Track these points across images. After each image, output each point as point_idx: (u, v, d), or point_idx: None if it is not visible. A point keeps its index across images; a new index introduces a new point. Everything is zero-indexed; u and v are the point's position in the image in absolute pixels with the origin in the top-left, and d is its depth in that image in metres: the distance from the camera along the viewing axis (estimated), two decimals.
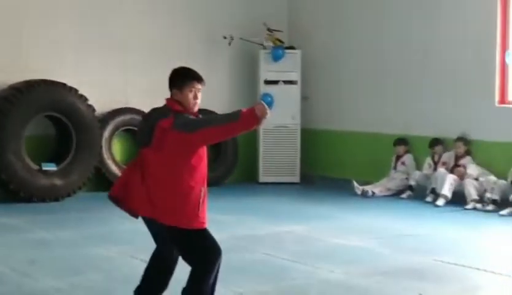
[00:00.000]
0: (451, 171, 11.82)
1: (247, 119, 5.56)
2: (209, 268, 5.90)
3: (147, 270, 6.48)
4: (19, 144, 11.76)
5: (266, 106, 5.55)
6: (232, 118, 5.63)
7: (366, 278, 7.56)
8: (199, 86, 5.95)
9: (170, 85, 6.03)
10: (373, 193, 12.51)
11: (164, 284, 6.46)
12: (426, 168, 12.36)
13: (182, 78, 5.99)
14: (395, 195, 12.54)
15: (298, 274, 7.71)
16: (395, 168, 12.85)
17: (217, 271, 5.93)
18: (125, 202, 6.07)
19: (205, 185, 5.95)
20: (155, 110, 6.16)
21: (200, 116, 6.09)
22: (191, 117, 5.92)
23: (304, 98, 14.06)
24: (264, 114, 5.48)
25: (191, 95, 5.93)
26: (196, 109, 5.98)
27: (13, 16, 12.17)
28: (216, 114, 5.82)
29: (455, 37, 12.22)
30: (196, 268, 5.93)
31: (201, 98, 6.08)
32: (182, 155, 5.81)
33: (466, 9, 12.08)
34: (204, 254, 5.92)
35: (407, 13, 12.90)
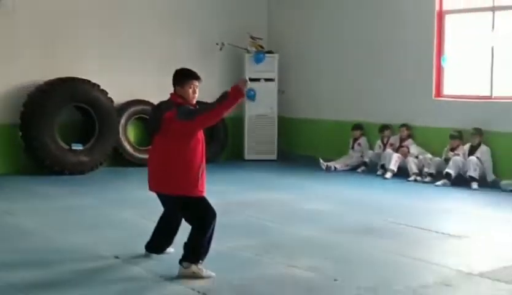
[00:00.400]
0: (396, 151, 11.91)
1: (233, 94, 5.78)
2: (206, 227, 5.98)
3: (156, 229, 6.57)
4: (53, 128, 11.80)
5: (245, 78, 5.96)
6: (223, 98, 5.79)
7: (329, 234, 7.67)
8: (196, 83, 6.12)
9: (174, 82, 6.17)
10: (335, 168, 12.57)
11: (169, 240, 6.57)
12: (377, 148, 12.47)
13: (183, 77, 6.13)
14: (352, 169, 12.62)
15: (276, 232, 7.82)
16: (352, 148, 12.94)
17: (212, 230, 6.01)
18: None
19: (204, 162, 6.05)
20: (161, 103, 6.29)
21: (197, 106, 6.17)
22: (191, 107, 6.02)
23: (281, 92, 14.08)
24: (245, 84, 5.79)
25: (190, 90, 6.09)
26: (194, 101, 6.13)
27: (48, 28, 12.15)
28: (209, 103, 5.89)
29: (400, 43, 12.30)
30: (196, 227, 6.00)
31: (198, 92, 6.19)
32: (184, 139, 5.93)
33: (408, 22, 12.13)
34: (203, 216, 6.00)
35: (362, 23, 12.92)
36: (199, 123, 5.93)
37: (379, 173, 12.00)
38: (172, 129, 5.92)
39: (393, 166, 11.73)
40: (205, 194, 6.06)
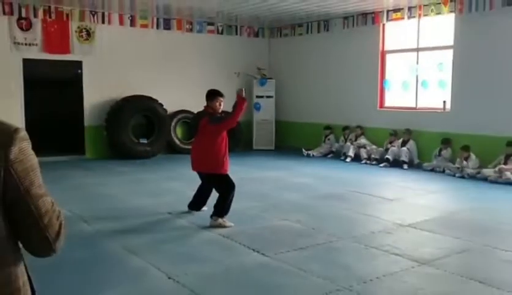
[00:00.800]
0: (352, 143, 11.87)
1: (239, 102, 6.03)
2: (229, 194, 6.02)
3: (195, 194, 6.61)
4: (127, 128, 11.81)
5: (240, 89, 6.20)
6: (234, 107, 6.00)
7: (309, 199, 7.69)
8: (221, 99, 6.14)
9: (206, 98, 6.19)
10: (313, 155, 12.52)
11: (204, 202, 6.59)
12: (341, 141, 12.40)
13: (213, 95, 6.17)
14: (324, 156, 12.54)
15: (273, 197, 7.82)
16: (324, 141, 12.83)
17: (232, 196, 6.04)
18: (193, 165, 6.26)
19: (227, 151, 6.09)
20: (198, 113, 6.36)
21: (223, 114, 6.19)
22: (218, 116, 6.05)
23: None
24: (242, 92, 6.13)
25: (217, 104, 6.12)
26: (220, 110, 6.13)
27: (124, 63, 12.17)
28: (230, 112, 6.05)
29: (358, 71, 12.25)
30: (222, 194, 6.03)
31: (223, 105, 6.23)
32: (214, 137, 5.96)
33: (363, 58, 12.10)
34: (227, 186, 6.03)
35: (332, 58, 12.89)
36: (223, 126, 5.99)
37: (342, 158, 11.94)
38: (206, 130, 5.96)
39: (351, 153, 11.71)
40: (229, 172, 6.10)
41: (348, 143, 11.97)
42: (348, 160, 11.67)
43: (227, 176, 6.04)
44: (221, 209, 5.93)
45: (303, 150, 12.62)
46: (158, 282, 4.27)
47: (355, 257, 4.94)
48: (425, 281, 4.35)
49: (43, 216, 1.42)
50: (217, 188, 6.12)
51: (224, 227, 5.85)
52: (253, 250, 5.08)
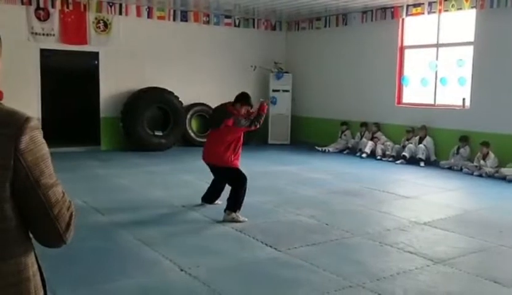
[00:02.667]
0: (371, 140, 11.80)
1: (263, 112, 6.23)
2: (240, 187, 6.04)
3: (209, 187, 6.66)
4: (143, 120, 11.86)
5: (264, 100, 6.53)
6: (259, 117, 6.26)
7: (324, 194, 7.68)
8: (249, 107, 6.13)
9: (238, 99, 6.29)
10: (329, 150, 12.49)
11: (217, 195, 6.62)
12: (357, 137, 12.33)
13: (245, 100, 6.15)
14: (340, 152, 12.48)
15: (288, 192, 7.84)
16: (340, 137, 12.79)
17: (245, 190, 6.05)
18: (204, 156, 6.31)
19: (240, 147, 6.13)
20: (218, 108, 6.42)
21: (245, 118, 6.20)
22: (242, 120, 6.09)
23: (293, 100, 14.01)
24: (266, 103, 6.40)
25: (244, 110, 6.11)
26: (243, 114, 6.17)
27: (140, 55, 12.22)
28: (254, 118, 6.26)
29: (376, 67, 12.17)
30: (235, 187, 6.05)
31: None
32: (231, 134, 6.01)
33: (381, 53, 12.02)
34: (238, 180, 6.05)
35: (350, 53, 12.81)
36: (245, 129, 6.12)
37: (358, 154, 11.84)
38: (226, 129, 5.99)
39: (368, 150, 11.64)
40: (240, 166, 6.12)
41: (364, 139, 11.89)
42: (364, 156, 11.59)
43: (238, 169, 6.06)
44: (234, 203, 5.95)
45: (316, 147, 12.58)
46: (170, 274, 4.32)
47: (369, 254, 4.94)
48: (439, 279, 4.34)
49: (53, 207, 1.42)
50: (229, 181, 6.15)
51: (238, 221, 5.87)
52: (266, 244, 5.10)
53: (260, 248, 5.02)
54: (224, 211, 5.99)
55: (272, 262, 4.66)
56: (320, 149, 12.49)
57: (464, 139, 10.12)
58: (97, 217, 6.08)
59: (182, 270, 4.36)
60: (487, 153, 9.52)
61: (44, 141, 1.46)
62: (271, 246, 5.04)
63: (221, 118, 6.08)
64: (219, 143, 6.03)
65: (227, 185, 6.28)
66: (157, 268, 4.44)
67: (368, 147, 11.64)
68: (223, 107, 6.25)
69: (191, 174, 8.84)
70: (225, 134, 6.01)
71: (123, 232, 5.48)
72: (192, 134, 12.82)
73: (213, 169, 6.29)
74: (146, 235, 5.35)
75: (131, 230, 5.53)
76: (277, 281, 4.23)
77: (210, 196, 6.62)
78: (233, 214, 5.92)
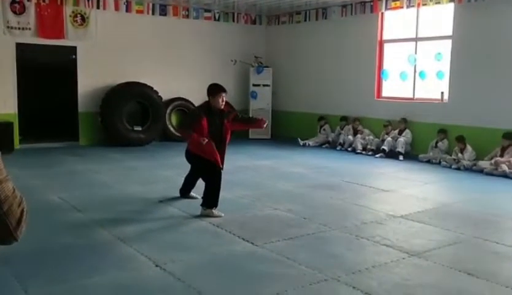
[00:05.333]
0: (354, 134, 11.82)
1: (261, 124, 6.25)
2: (215, 183, 5.99)
3: (185, 180, 6.59)
4: (122, 115, 11.78)
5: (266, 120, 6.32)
6: (254, 121, 6.55)
7: (302, 188, 7.68)
8: (224, 94, 6.02)
9: (209, 93, 6.06)
10: (309, 144, 12.53)
11: (193, 184, 6.54)
12: (337, 131, 12.37)
13: (217, 90, 6.01)
14: (320, 146, 12.51)
15: (266, 186, 7.81)
16: (319, 132, 12.82)
17: (219, 185, 6.02)
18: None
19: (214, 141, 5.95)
20: (199, 107, 6.28)
21: (225, 111, 6.11)
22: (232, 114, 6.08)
23: (274, 93, 14.00)
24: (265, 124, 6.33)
25: (220, 100, 5.99)
26: (222, 107, 6.01)
27: (119, 49, 12.12)
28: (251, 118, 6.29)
29: (355, 61, 12.22)
30: (208, 183, 6.02)
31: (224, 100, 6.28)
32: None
33: (361, 47, 12.06)
34: (212, 175, 6.03)
35: (329, 47, 12.85)
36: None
37: (338, 148, 11.87)
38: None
39: (360, 146, 11.52)
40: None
41: (349, 136, 11.84)
42: (349, 149, 11.63)
43: (211, 163, 5.96)
44: (209, 199, 5.92)
45: (299, 140, 12.60)
46: (145, 270, 4.27)
47: (345, 248, 4.94)
48: (414, 272, 4.36)
49: (3, 203, 1.38)
50: (203, 176, 6.12)
51: (214, 216, 5.84)
52: (243, 239, 5.08)
53: (237, 243, 5.00)
54: (201, 205, 5.96)
55: (248, 256, 4.64)
56: (300, 143, 12.49)
57: (442, 132, 10.21)
58: (73, 213, 6.01)
59: (157, 266, 4.32)
60: (464, 147, 9.62)
61: None
62: (247, 241, 5.02)
63: (198, 118, 5.91)
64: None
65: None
66: (132, 264, 4.40)
67: (359, 143, 11.54)
68: (202, 105, 6.19)
69: (170, 170, 8.77)
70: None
71: (99, 228, 5.42)
72: (172, 129, 12.73)
73: (190, 161, 6.23)
74: (122, 231, 5.30)
75: (106, 226, 5.47)
76: (252, 275, 4.21)
77: (186, 188, 6.61)
78: (209, 210, 5.89)
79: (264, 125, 6.28)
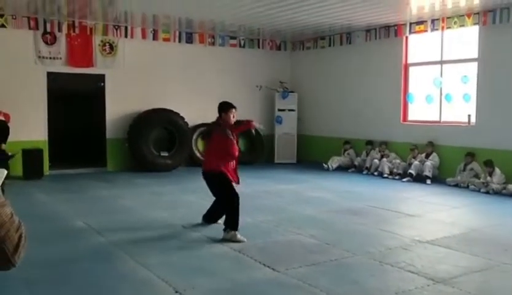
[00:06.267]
0: (380, 158, 11.65)
1: (247, 126, 6.58)
2: (231, 205, 5.99)
3: (211, 206, 6.59)
4: (149, 141, 11.89)
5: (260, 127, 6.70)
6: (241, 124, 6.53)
7: (326, 213, 7.57)
8: (234, 110, 6.15)
9: (221, 110, 6.17)
10: (332, 166, 12.33)
11: (219, 215, 6.53)
12: (363, 156, 12.21)
13: (227, 107, 6.14)
14: (346, 169, 12.33)
15: (289, 211, 7.72)
16: (343, 154, 12.60)
17: (237, 207, 6.02)
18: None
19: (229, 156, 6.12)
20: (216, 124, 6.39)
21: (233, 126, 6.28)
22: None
23: (299, 119, 13.96)
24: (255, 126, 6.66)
25: (231, 116, 6.11)
26: (233, 122, 6.16)
27: (146, 77, 12.30)
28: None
29: (380, 85, 12.12)
30: (225, 205, 6.04)
31: (245, 117, 6.42)
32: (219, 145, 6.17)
33: (386, 71, 11.98)
34: (228, 196, 6.03)
35: (354, 72, 12.80)
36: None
37: (364, 172, 11.75)
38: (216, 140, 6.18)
39: (387, 170, 11.35)
40: (236, 185, 6.08)
41: (376, 160, 11.67)
42: (376, 174, 11.48)
43: (228, 185, 6.02)
44: (229, 221, 5.90)
45: (324, 164, 12.46)
46: None
47: (368, 274, 4.81)
48: None
49: (0, 228, 1.36)
50: (219, 195, 6.14)
51: (236, 241, 5.78)
52: (264, 265, 4.99)
53: (258, 269, 4.91)
54: (224, 229, 5.92)
55: (269, 283, 4.55)
56: (325, 165, 12.35)
57: (470, 155, 9.97)
58: (96, 238, 6.02)
59: (176, 292, 4.26)
60: (492, 171, 9.36)
61: None
62: (269, 267, 4.93)
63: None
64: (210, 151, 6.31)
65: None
66: (151, 289, 4.36)
67: (386, 167, 11.36)
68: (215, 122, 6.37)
69: (195, 194, 8.75)
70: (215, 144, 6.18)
71: (120, 252, 5.41)
72: (198, 155, 12.77)
73: (207, 179, 6.25)
74: (143, 255, 5.28)
75: (128, 250, 5.46)
76: None
77: (210, 216, 6.55)
78: (232, 233, 5.84)
79: (256, 124, 6.71)
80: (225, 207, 5.94)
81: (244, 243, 5.76)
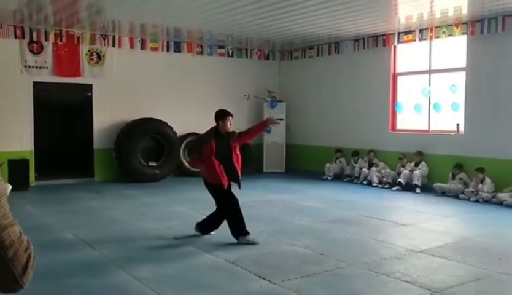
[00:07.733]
0: (369, 167, 11.69)
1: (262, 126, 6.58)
2: (230, 211, 6.05)
3: (207, 216, 6.60)
4: (136, 151, 11.79)
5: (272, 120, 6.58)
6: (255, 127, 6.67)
7: (319, 223, 7.53)
8: (231, 118, 6.20)
9: (218, 118, 6.27)
10: (329, 177, 12.36)
11: (213, 226, 6.54)
12: (352, 164, 12.22)
13: (223, 115, 6.17)
14: (337, 178, 12.35)
15: (282, 221, 7.69)
16: (335, 162, 12.60)
17: (237, 211, 6.21)
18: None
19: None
20: (208, 132, 6.44)
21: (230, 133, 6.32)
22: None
23: (288, 127, 13.97)
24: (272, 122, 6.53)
25: (228, 123, 6.17)
26: (230, 130, 6.22)
27: (134, 87, 12.23)
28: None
29: (369, 94, 12.19)
30: (224, 212, 6.08)
31: (234, 127, 6.40)
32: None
33: (374, 80, 12.05)
34: (226, 202, 6.09)
35: (343, 81, 12.87)
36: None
37: (355, 181, 11.75)
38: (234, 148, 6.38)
39: (376, 179, 11.39)
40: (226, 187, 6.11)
41: (364, 169, 11.72)
42: (365, 183, 11.53)
43: (225, 190, 6.13)
44: (234, 228, 6.11)
45: (324, 177, 12.42)
46: None
47: (365, 285, 4.79)
48: None
49: (8, 249, 1.29)
50: (218, 204, 6.18)
51: (251, 243, 6.05)
52: (260, 277, 4.94)
53: (254, 281, 4.86)
54: (237, 239, 6.14)
55: None
56: (324, 176, 12.37)
57: (458, 167, 10.04)
58: (88, 251, 5.92)
59: None
60: (483, 178, 9.43)
61: (1, 178, 1.34)
62: (264, 278, 4.88)
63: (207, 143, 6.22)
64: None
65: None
66: None
67: (375, 176, 11.41)
68: (211, 132, 6.38)
69: (185, 205, 8.69)
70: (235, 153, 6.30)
71: (113, 266, 5.32)
72: (186, 164, 12.70)
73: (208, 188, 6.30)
74: (136, 268, 5.19)
75: (121, 264, 5.38)
76: None
77: (205, 225, 6.52)
78: (247, 237, 6.10)
79: (271, 124, 6.61)
80: (225, 214, 6.06)
81: (238, 254, 5.70)
